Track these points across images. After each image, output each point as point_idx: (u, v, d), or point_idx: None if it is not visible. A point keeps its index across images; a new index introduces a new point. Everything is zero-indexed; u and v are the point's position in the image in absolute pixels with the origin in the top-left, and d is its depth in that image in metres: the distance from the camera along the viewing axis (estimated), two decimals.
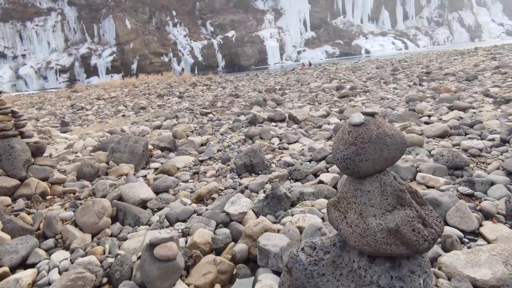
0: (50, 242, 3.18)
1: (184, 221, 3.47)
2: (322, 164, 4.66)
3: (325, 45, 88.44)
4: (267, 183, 4.03)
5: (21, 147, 4.23)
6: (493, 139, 4.80)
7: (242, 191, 3.75)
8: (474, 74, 12.69)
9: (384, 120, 6.65)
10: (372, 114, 1.72)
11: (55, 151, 6.28)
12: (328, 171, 4.36)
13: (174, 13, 74.91)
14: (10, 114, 4.31)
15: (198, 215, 3.51)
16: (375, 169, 1.66)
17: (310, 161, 4.99)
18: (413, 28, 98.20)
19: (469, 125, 5.69)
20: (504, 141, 4.61)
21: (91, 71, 57.78)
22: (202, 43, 73.59)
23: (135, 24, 65.00)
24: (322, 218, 3.07)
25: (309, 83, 17.10)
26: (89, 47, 60.93)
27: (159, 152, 6.08)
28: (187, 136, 7.25)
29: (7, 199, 3.93)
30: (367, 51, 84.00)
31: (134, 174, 5.08)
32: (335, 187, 3.77)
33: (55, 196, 4.18)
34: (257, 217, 3.24)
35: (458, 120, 6.22)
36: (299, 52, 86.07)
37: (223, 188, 4.06)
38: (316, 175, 4.39)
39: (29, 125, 12.03)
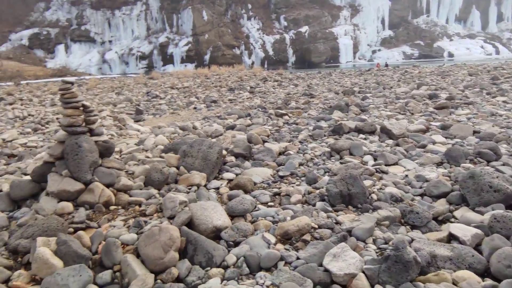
0: (106, 276, 2.59)
1: (269, 269, 2.67)
2: (443, 204, 3.56)
3: (403, 45, 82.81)
4: (376, 227, 3.07)
5: (89, 146, 3.77)
6: None
7: (344, 238, 2.84)
8: None
9: None
10: None
11: (125, 146, 5.93)
12: (457, 219, 3.26)
13: (249, 6, 75.36)
14: (81, 108, 3.87)
15: (286, 263, 2.69)
16: None
17: (421, 195, 3.90)
18: (508, 31, 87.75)
19: None
20: None
21: (167, 59, 60.31)
22: (274, 37, 73.12)
23: (211, 16, 66.56)
24: None
25: (391, 87, 15.45)
26: (168, 36, 63.69)
27: (233, 159, 5.38)
28: (263, 141, 6.49)
29: (69, 206, 3.47)
30: (451, 54, 76.96)
31: (205, 185, 4.43)
32: (478, 249, 2.69)
33: (119, 207, 3.65)
34: (372, 287, 2.32)
35: None
36: (373, 52, 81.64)
37: (316, 226, 3.17)
38: (437, 219, 3.32)
39: (106, 110, 12.28)
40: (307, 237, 2.99)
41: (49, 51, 58.69)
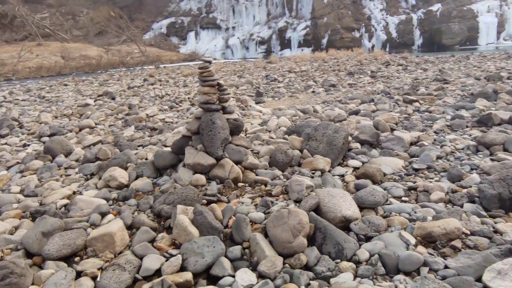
0: (236, 250, 2.64)
1: (408, 273, 2.35)
2: None
3: None
4: None
5: (221, 123, 3.92)
6: None
7: (510, 252, 2.31)
8: None
9: None
10: None
11: (250, 126, 6.10)
12: None
13: None
14: (216, 87, 4.04)
15: (431, 271, 2.32)
16: None
17: None
18: None
19: None
20: None
21: (285, 44, 61.03)
22: (399, 17, 66.98)
23: None
24: None
25: None
26: (287, 21, 64.22)
27: (358, 146, 5.03)
28: (391, 129, 5.92)
29: (202, 179, 3.68)
30: None
31: (329, 171, 4.22)
32: None
33: (247, 185, 3.73)
34: None
35: None
36: None
37: (468, 233, 2.68)
38: None
39: (230, 92, 12.99)
40: (457, 243, 2.53)
41: (182, 38, 65.39)
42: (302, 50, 54.42)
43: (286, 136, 5.24)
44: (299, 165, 4.39)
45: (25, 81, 20.62)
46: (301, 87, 13.61)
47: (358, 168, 4.29)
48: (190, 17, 67.95)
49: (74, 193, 3.95)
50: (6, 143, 6.81)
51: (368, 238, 2.78)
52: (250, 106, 9.63)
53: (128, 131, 7.61)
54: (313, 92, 12.55)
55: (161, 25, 65.07)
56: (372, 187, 3.56)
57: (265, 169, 4.14)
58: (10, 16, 41.35)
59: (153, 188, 3.79)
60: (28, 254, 2.64)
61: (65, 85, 18.19)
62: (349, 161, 4.50)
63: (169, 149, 4.41)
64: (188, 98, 12.30)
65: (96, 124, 8.38)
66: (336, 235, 2.64)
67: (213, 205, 3.03)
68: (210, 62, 3.92)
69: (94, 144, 6.15)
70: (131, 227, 2.97)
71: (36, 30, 40.89)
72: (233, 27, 67.55)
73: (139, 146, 5.66)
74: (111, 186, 3.94)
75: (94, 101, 12.09)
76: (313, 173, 4.09)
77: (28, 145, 6.77)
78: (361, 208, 3.24)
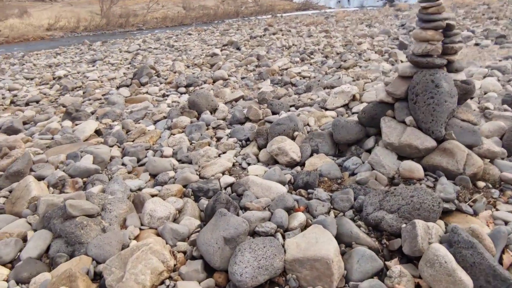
0: None
1: None
2: None
3: None
4: None
5: (449, 87, 2.60)
6: None
7: None
8: None
9: None
10: None
11: None
12: None
13: None
14: (441, 31, 2.66)
15: None
16: None
17: None
18: None
19: None
20: None
21: None
22: None
23: None
24: None
25: None
26: None
27: None
28: None
29: (419, 168, 2.49)
30: None
31: None
32: None
33: (490, 185, 2.43)
34: None
35: None
36: None
37: None
38: None
39: (365, 43, 11.19)
40: None
41: None
42: None
43: (506, 106, 3.64)
44: None
45: (153, 31, 21.61)
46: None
47: None
48: None
49: (234, 165, 3.19)
50: (147, 92, 6.59)
51: None
52: (401, 61, 7.89)
53: (264, 85, 6.77)
54: (476, 45, 9.93)
55: None
56: None
57: (502, 158, 2.74)
58: None
59: (341, 173, 2.76)
60: (207, 268, 1.89)
61: (189, 34, 18.38)
62: None
63: (353, 118, 3.29)
64: (318, 49, 10.93)
65: (228, 75, 7.75)
66: None
67: (475, 226, 1.84)
68: None
69: (236, 100, 5.42)
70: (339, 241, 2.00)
71: None
72: None
73: (291, 106, 4.69)
74: (280, 162, 3.05)
75: (220, 50, 11.62)
76: None
77: (167, 95, 6.43)
78: None
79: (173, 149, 3.61)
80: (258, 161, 3.26)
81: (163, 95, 6.50)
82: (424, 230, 1.84)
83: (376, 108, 2.95)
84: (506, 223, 2.07)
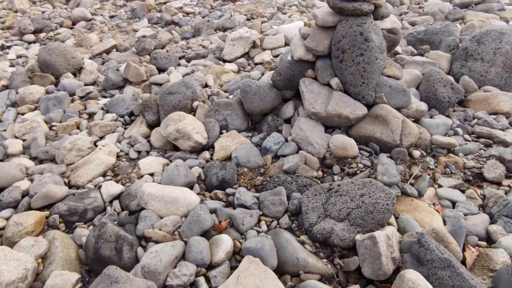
0: None
1: None
2: None
3: None
4: None
5: (379, 41, 2.15)
6: None
7: None
8: None
9: None
10: None
11: None
12: None
13: None
14: None
15: None
16: None
17: None
18: None
19: None
20: None
21: None
22: None
23: None
24: None
25: None
26: None
27: None
28: None
29: (352, 144, 2.08)
30: None
31: None
32: None
33: (424, 153, 2.18)
34: None
35: None
36: None
37: None
38: None
39: None
40: None
41: None
42: None
43: (412, 48, 3.46)
44: (460, 103, 2.80)
45: None
46: None
47: None
48: None
49: (118, 156, 2.35)
50: None
51: None
52: None
53: (140, 26, 5.56)
54: None
55: None
56: None
57: (424, 117, 2.53)
58: None
59: (262, 158, 2.20)
60: None
61: None
62: None
63: (264, 79, 2.67)
64: None
65: (92, 14, 6.16)
66: None
67: (438, 228, 1.52)
68: None
69: (107, 52, 4.23)
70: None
71: None
72: None
73: (180, 58, 3.80)
74: (181, 148, 2.33)
75: None
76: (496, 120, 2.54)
77: (8, 47, 4.77)
78: None
79: (23, 141, 2.54)
80: (151, 146, 2.48)
81: (1, 47, 4.80)
82: (386, 244, 1.46)
83: (294, 68, 2.38)
84: (453, 204, 1.85)
